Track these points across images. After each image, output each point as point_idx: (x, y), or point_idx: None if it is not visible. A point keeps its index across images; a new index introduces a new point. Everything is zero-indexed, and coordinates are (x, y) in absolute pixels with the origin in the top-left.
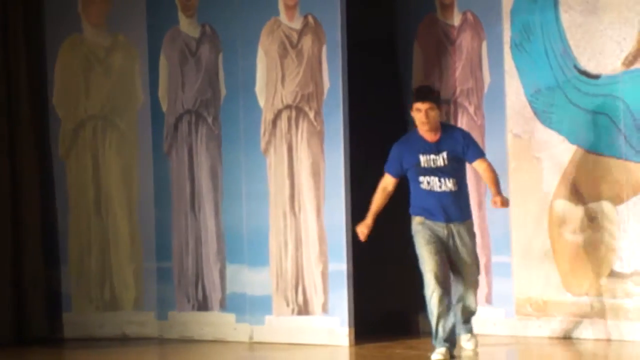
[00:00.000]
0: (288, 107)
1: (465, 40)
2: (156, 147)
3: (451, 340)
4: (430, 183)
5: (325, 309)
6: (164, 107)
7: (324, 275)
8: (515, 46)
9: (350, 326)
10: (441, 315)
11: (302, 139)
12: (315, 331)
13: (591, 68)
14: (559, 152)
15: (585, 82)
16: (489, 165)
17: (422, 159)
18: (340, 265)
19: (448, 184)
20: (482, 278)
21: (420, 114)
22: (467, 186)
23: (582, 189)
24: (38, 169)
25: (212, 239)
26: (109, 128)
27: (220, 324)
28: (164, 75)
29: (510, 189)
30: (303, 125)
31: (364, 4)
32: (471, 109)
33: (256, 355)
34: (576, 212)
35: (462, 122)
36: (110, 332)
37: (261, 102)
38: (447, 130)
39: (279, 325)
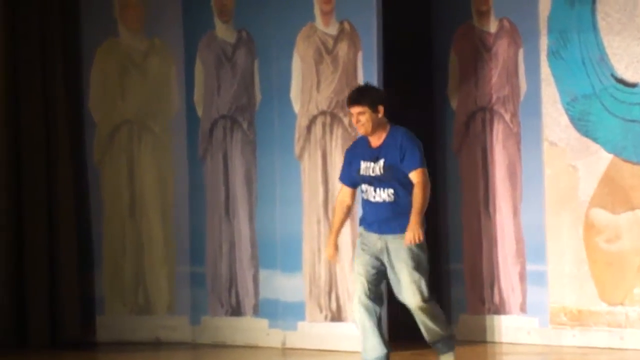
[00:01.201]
0: (323, 113)
1: (501, 48)
2: (191, 151)
3: None
4: (367, 192)
5: None
6: (199, 112)
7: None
8: (552, 54)
9: None
10: (362, 333)
11: (337, 145)
12: (349, 338)
13: (628, 76)
14: (594, 160)
15: (622, 90)
16: (422, 182)
17: (362, 165)
18: None
19: (382, 195)
20: (516, 286)
21: (352, 118)
22: (408, 196)
23: (617, 197)
24: (73, 172)
25: (245, 244)
26: (144, 132)
27: (253, 329)
28: (200, 80)
29: (546, 197)
30: (337, 132)
31: (400, 11)
32: (507, 117)
33: None
34: (612, 221)
35: (498, 130)
36: (143, 337)
37: (296, 108)
38: (393, 135)
39: (312, 332)
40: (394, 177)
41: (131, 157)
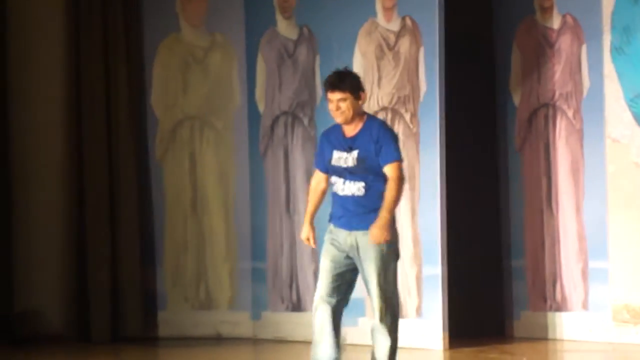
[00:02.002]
0: (384, 109)
1: (564, 44)
2: (252, 147)
3: None
4: (336, 184)
5: (419, 312)
6: (261, 108)
7: (418, 278)
8: (615, 50)
9: (444, 330)
10: (318, 333)
11: None
12: (409, 334)
13: None
14: None
15: None
16: (396, 177)
17: (335, 155)
18: (435, 268)
19: (351, 188)
20: (578, 283)
21: (331, 104)
22: (380, 190)
23: None
24: (135, 168)
25: None
26: (206, 128)
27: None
28: (261, 77)
29: (608, 194)
30: (398, 128)
31: (462, 6)
32: (570, 113)
33: (349, 357)
34: None
35: (561, 126)
36: (204, 332)
37: None
38: (368, 126)
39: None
40: (366, 170)
41: (193, 153)
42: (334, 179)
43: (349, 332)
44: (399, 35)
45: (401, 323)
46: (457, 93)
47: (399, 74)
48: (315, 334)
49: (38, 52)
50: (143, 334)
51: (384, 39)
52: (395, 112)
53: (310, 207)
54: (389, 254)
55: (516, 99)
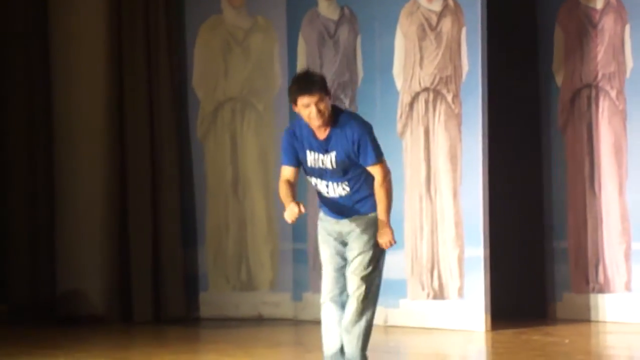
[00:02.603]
0: (426, 89)
1: (607, 24)
2: None
3: None
4: (318, 186)
5: (461, 293)
6: None
7: (460, 259)
8: None
9: (486, 311)
10: (328, 327)
11: (440, 122)
12: (451, 316)
13: None
14: None
15: None
16: (381, 177)
17: (309, 157)
18: (477, 250)
19: (337, 189)
20: (621, 265)
21: (309, 109)
22: (366, 183)
23: None
24: (177, 150)
25: None
26: (247, 110)
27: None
28: (302, 58)
29: None
30: (440, 108)
31: None
32: (613, 94)
33: (390, 338)
34: None
35: (604, 107)
36: (246, 313)
37: (398, 85)
38: (340, 124)
39: (414, 309)
40: (347, 170)
41: (234, 134)
42: (313, 180)
43: (390, 314)
44: (441, 15)
45: (443, 304)
46: (499, 74)
47: (441, 55)
48: (324, 328)
49: (81, 34)
50: (185, 315)
51: (426, 19)
52: (437, 93)
53: (289, 194)
54: (374, 230)
55: (559, 79)
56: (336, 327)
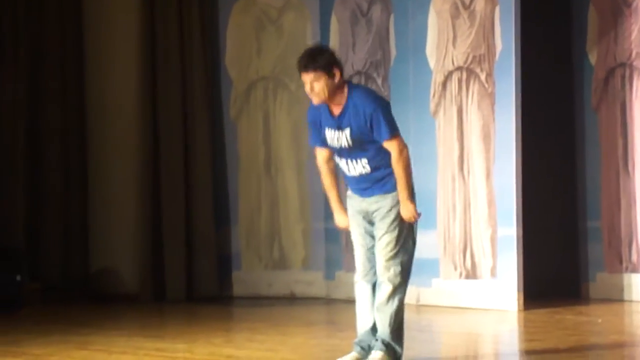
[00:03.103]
0: (459, 68)
1: None
2: None
3: (365, 346)
4: (340, 164)
5: (493, 273)
6: None
7: (493, 239)
8: None
9: (519, 291)
10: (363, 306)
11: (473, 101)
12: (483, 295)
13: None
14: None
15: None
16: (397, 152)
17: (328, 135)
18: (510, 229)
19: (356, 167)
20: None
21: (306, 86)
22: (386, 161)
23: None
24: (210, 129)
25: None
26: (279, 89)
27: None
28: (335, 36)
29: None
30: (474, 87)
31: None
32: None
33: (422, 317)
34: None
35: (638, 86)
36: (278, 291)
37: (431, 64)
38: (353, 100)
39: (446, 289)
40: (363, 147)
41: (267, 113)
42: (336, 158)
43: (422, 293)
44: None
45: (476, 284)
46: (532, 52)
47: (474, 33)
48: (357, 306)
49: (114, 15)
50: (217, 294)
51: None
52: (470, 72)
53: (333, 192)
54: (402, 220)
55: (592, 58)
56: (369, 305)
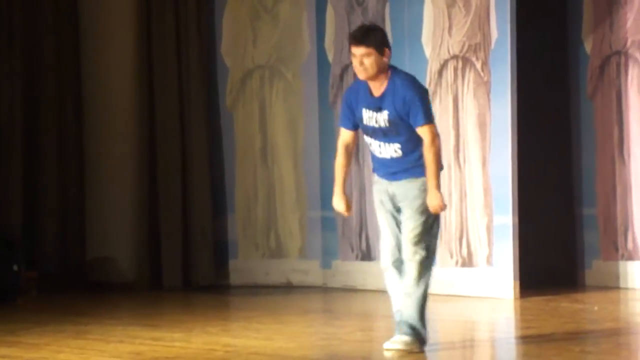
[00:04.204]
0: (455, 57)
1: None
2: (322, 97)
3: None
4: (371, 145)
5: (489, 261)
6: (330, 58)
7: (489, 227)
8: None
9: (515, 279)
10: (394, 289)
11: (469, 89)
12: (479, 283)
13: None
14: None
15: None
16: (429, 141)
17: (365, 115)
18: (506, 218)
19: (388, 150)
20: None
21: (355, 60)
22: (418, 147)
23: None
24: (206, 118)
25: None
26: (275, 78)
27: (382, 274)
28: (331, 25)
29: None
30: (469, 76)
31: None
32: None
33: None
34: None
35: (633, 74)
36: (275, 280)
37: (427, 52)
38: (394, 83)
39: (443, 277)
40: (398, 131)
41: (263, 102)
42: (368, 139)
43: None
44: None
45: (472, 272)
46: (528, 41)
47: (470, 22)
48: (390, 292)
49: (109, 2)
50: (214, 282)
51: None
52: (466, 60)
53: (341, 174)
54: (427, 209)
55: (588, 46)
56: (398, 291)
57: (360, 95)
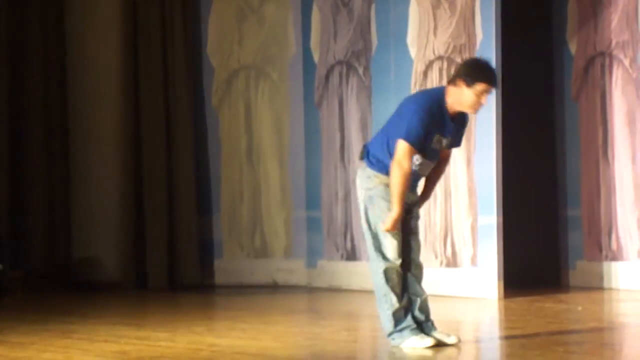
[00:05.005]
0: (440, 58)
1: None
2: (307, 97)
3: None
4: (422, 165)
5: (474, 261)
6: (316, 58)
7: (473, 227)
8: None
9: (499, 279)
10: (401, 285)
11: None
12: (463, 284)
13: None
14: None
15: None
16: (399, 159)
17: (435, 138)
18: (490, 218)
19: (430, 167)
20: (634, 232)
21: (482, 98)
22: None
23: None
24: (191, 118)
25: None
26: (261, 78)
27: (367, 274)
28: (316, 26)
29: None
30: None
31: None
32: (626, 62)
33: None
34: None
35: (617, 75)
36: (260, 280)
37: (412, 53)
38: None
39: (427, 278)
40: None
41: (248, 102)
42: (421, 158)
43: None
44: None
45: (456, 272)
46: (513, 42)
47: (455, 23)
48: (395, 288)
49: (96, 2)
50: (199, 282)
51: None
52: (450, 61)
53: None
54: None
55: (572, 47)
56: (404, 290)
57: (440, 118)
